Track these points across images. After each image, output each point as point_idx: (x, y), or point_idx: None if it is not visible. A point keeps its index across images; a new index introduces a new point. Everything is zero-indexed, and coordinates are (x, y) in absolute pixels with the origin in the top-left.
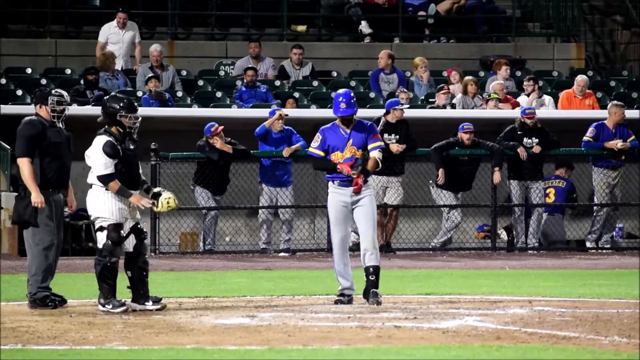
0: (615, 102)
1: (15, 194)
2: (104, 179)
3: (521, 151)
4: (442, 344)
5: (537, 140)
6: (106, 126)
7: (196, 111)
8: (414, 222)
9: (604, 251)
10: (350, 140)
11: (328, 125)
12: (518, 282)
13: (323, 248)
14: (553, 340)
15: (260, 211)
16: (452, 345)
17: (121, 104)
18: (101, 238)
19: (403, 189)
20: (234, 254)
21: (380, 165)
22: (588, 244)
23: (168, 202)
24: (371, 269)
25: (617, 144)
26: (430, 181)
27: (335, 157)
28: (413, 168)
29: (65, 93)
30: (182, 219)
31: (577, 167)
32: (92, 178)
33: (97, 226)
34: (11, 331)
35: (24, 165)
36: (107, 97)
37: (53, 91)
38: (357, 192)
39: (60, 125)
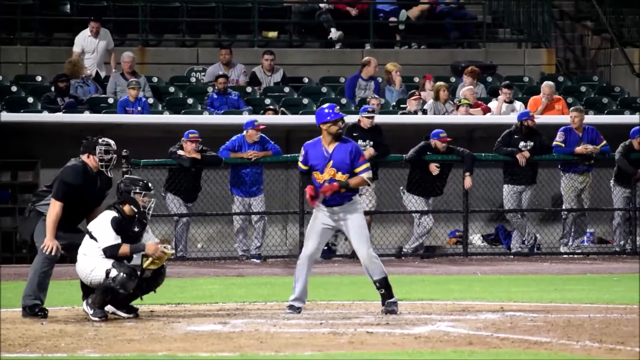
0: (575, 106)
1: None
2: (112, 250)
3: (520, 157)
4: (414, 350)
5: (532, 143)
6: (119, 204)
7: (167, 118)
8: (386, 228)
9: (575, 256)
10: (330, 162)
11: (312, 140)
12: (490, 287)
13: (295, 254)
14: (525, 346)
15: (235, 220)
16: (425, 351)
17: (136, 183)
18: (114, 273)
19: (376, 195)
20: (205, 260)
21: (369, 184)
22: (561, 249)
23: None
24: (377, 283)
25: (588, 148)
26: (401, 187)
27: (316, 176)
28: (385, 174)
29: (112, 142)
30: (154, 226)
31: (545, 172)
32: (87, 248)
33: (104, 275)
34: None
35: (55, 208)
36: (124, 178)
37: (100, 140)
38: (313, 205)
39: (109, 174)
